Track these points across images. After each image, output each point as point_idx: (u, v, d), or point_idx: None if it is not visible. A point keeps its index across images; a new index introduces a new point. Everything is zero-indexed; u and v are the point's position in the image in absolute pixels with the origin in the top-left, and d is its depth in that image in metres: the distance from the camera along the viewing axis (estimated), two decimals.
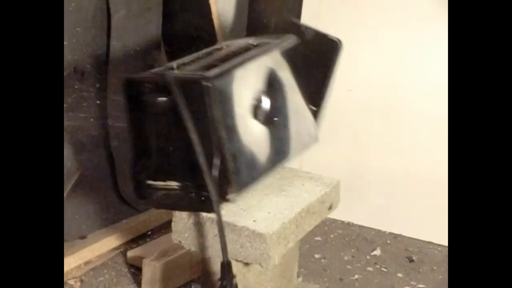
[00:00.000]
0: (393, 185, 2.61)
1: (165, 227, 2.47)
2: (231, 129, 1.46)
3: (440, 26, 2.43)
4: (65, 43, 2.21)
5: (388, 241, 2.58)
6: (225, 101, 1.45)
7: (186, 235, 1.65)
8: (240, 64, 1.54)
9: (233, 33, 2.90)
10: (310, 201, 1.73)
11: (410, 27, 2.54)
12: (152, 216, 2.55)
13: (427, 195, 2.54)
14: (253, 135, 1.55)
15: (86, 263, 2.24)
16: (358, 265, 2.39)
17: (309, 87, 1.78)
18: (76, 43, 2.30)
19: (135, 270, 2.22)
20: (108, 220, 2.44)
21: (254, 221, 1.59)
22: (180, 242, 1.67)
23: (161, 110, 1.48)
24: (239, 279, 1.68)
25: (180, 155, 1.50)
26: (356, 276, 2.31)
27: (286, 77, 1.68)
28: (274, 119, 1.61)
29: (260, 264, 1.56)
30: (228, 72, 1.49)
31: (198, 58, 1.64)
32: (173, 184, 1.54)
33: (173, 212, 1.66)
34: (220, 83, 1.45)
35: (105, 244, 2.32)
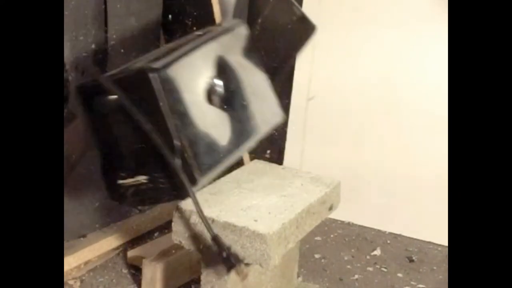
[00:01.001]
0: (393, 185, 2.61)
1: (165, 227, 2.47)
2: (185, 116, 1.50)
3: (440, 26, 2.43)
4: (66, 43, 2.22)
5: (388, 241, 2.58)
6: (174, 89, 1.48)
7: (186, 235, 1.65)
8: (185, 53, 1.57)
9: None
10: (311, 201, 1.74)
11: (410, 27, 2.54)
12: (152, 216, 2.55)
13: (427, 195, 2.54)
14: (210, 119, 1.58)
15: (86, 263, 2.24)
16: (358, 265, 2.39)
17: (274, 62, 1.82)
18: (76, 41, 2.30)
19: (135, 270, 2.22)
20: (108, 220, 2.44)
21: (255, 221, 1.59)
22: (180, 242, 1.67)
23: (113, 110, 1.51)
24: (239, 279, 1.68)
25: (141, 149, 1.53)
26: (356, 276, 2.31)
27: (241, 60, 1.71)
28: (229, 102, 1.64)
29: (260, 265, 1.56)
30: (172, 61, 1.52)
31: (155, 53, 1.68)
32: (142, 178, 1.56)
33: (173, 212, 1.66)
34: (165, 73, 1.47)
35: (105, 244, 2.32)
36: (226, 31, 1.73)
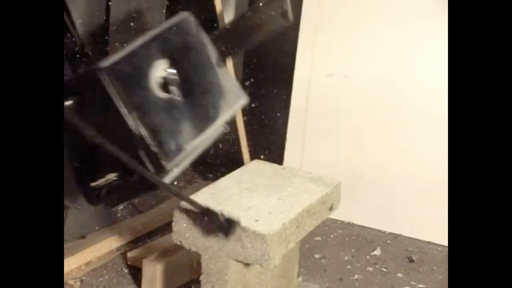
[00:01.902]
0: (393, 185, 2.61)
1: (165, 227, 2.47)
2: (142, 107, 1.54)
3: (440, 26, 2.43)
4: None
5: (388, 241, 2.58)
6: (125, 84, 1.53)
7: (186, 235, 1.65)
8: (134, 48, 1.62)
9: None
10: (311, 201, 1.74)
11: (410, 27, 2.54)
12: (152, 216, 2.55)
13: (427, 195, 2.54)
14: (168, 107, 1.62)
15: (87, 264, 2.24)
16: (358, 265, 2.39)
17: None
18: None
19: (135, 270, 2.22)
20: (108, 220, 2.44)
21: (255, 221, 1.59)
22: (180, 242, 1.67)
23: (73, 112, 1.54)
24: (239, 279, 1.68)
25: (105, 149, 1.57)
26: (356, 276, 2.31)
27: (193, 48, 1.77)
28: (186, 89, 1.69)
29: (260, 265, 1.56)
30: (121, 58, 1.57)
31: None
32: (112, 176, 1.59)
33: (174, 212, 1.66)
34: (113, 69, 1.52)
35: (106, 245, 2.32)
36: (174, 23, 1.79)
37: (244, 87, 2.83)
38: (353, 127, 2.68)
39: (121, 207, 2.53)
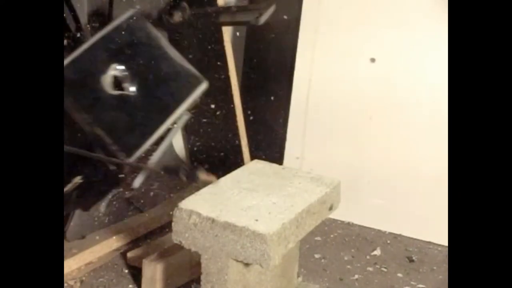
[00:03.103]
0: (393, 185, 2.61)
1: (165, 227, 2.47)
2: (94, 108, 1.54)
3: (440, 26, 2.43)
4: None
5: (388, 241, 2.58)
6: (73, 89, 1.53)
7: (186, 235, 1.65)
8: (77, 53, 1.62)
9: None
10: (311, 201, 1.74)
11: (410, 27, 2.54)
12: (152, 217, 2.55)
13: (427, 195, 2.55)
14: (123, 104, 1.62)
15: (87, 264, 2.24)
16: (358, 265, 2.39)
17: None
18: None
19: (135, 271, 2.22)
20: (108, 221, 2.43)
21: (255, 221, 1.59)
22: (180, 242, 1.67)
23: None
24: (239, 279, 1.68)
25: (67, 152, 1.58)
26: (356, 276, 2.31)
27: (147, 41, 1.79)
28: (139, 83, 1.71)
29: (260, 265, 1.56)
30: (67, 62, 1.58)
31: None
32: (77, 179, 1.60)
33: (173, 212, 1.66)
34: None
35: (106, 245, 2.32)
36: (121, 22, 1.81)
37: (244, 87, 2.84)
38: (353, 127, 2.68)
39: (121, 208, 2.53)
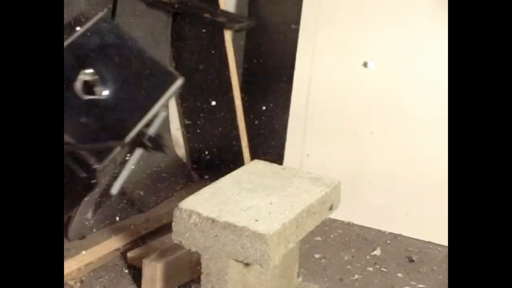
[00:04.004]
0: (393, 185, 2.61)
1: (165, 227, 2.47)
2: (66, 115, 1.54)
3: (440, 26, 2.43)
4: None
5: (388, 241, 2.58)
6: None
7: (187, 235, 1.65)
8: None
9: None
10: (311, 201, 1.74)
11: (410, 27, 2.54)
12: (152, 217, 2.55)
13: (427, 195, 2.54)
14: (95, 108, 1.62)
15: (87, 265, 2.24)
16: (358, 265, 2.39)
17: None
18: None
19: (135, 271, 2.22)
20: (108, 221, 2.44)
21: (255, 221, 1.59)
22: (180, 242, 1.67)
23: None
24: (239, 279, 1.68)
25: None
26: (356, 276, 2.31)
27: (117, 42, 1.79)
28: (112, 86, 1.71)
29: (260, 265, 1.56)
30: None
31: None
32: None
33: (173, 212, 1.66)
34: None
35: (106, 246, 2.32)
36: (88, 27, 1.81)
37: (244, 87, 2.84)
38: (353, 127, 2.68)
39: (122, 208, 2.53)
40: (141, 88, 1.80)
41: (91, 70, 1.69)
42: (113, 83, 1.72)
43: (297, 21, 2.70)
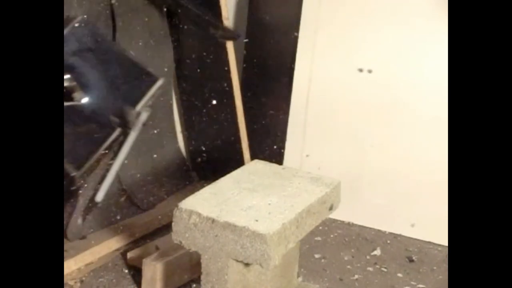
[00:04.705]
0: (393, 185, 2.61)
1: (165, 228, 2.47)
2: None
3: (440, 25, 2.43)
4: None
5: (388, 241, 2.58)
6: None
7: (187, 235, 1.65)
8: None
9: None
10: (311, 201, 1.74)
11: (409, 27, 2.54)
12: (152, 217, 2.55)
13: (427, 195, 2.55)
14: (74, 114, 1.62)
15: (87, 265, 2.24)
16: (358, 265, 2.39)
17: None
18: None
19: (135, 271, 2.22)
20: (108, 221, 2.44)
21: (255, 221, 1.59)
22: (180, 242, 1.67)
23: None
24: (239, 279, 1.68)
25: None
26: (356, 276, 2.31)
27: (95, 46, 1.81)
28: (91, 89, 1.71)
29: (260, 265, 1.56)
30: None
31: None
32: None
33: (173, 212, 1.66)
34: None
35: (106, 246, 2.32)
36: (65, 33, 1.81)
37: (244, 87, 2.84)
38: (353, 127, 2.68)
39: (121, 209, 2.53)
40: (121, 89, 1.81)
41: (68, 76, 1.68)
42: (92, 88, 1.72)
43: (297, 22, 2.70)
